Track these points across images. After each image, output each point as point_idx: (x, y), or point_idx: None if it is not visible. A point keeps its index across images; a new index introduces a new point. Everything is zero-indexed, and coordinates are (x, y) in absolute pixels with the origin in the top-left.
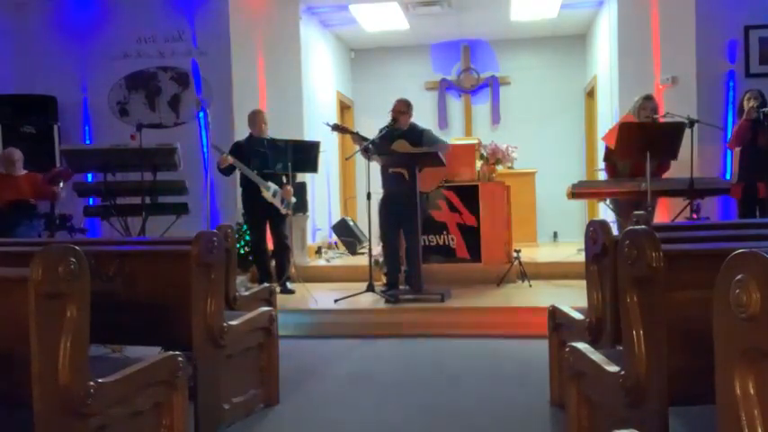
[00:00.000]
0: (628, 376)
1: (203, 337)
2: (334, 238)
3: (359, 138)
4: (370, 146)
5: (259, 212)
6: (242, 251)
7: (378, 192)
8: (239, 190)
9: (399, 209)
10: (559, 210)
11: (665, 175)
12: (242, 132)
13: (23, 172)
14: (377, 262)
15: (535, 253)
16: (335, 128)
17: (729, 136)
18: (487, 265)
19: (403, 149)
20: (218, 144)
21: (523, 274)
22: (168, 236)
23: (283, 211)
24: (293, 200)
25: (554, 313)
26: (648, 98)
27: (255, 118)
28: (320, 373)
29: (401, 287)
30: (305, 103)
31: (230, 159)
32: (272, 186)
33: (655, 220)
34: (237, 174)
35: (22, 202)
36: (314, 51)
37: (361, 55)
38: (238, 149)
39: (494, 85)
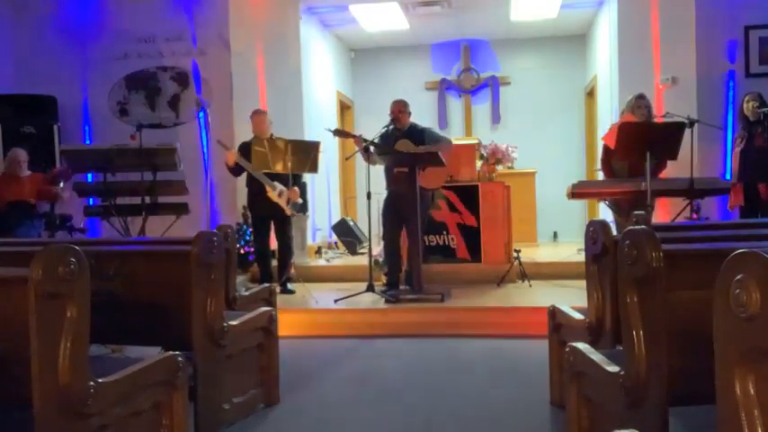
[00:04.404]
0: (628, 376)
1: (203, 337)
2: (334, 238)
3: (361, 140)
4: (371, 147)
5: (264, 212)
6: (242, 251)
7: (378, 192)
8: (239, 190)
9: (403, 208)
10: (559, 210)
11: (664, 175)
12: (242, 132)
13: (28, 173)
14: (377, 262)
15: (535, 253)
16: (336, 133)
17: (730, 167)
18: (487, 265)
19: (406, 149)
20: (221, 140)
21: (523, 274)
22: (168, 236)
23: (288, 211)
24: (299, 201)
25: (554, 313)
26: (642, 96)
27: (254, 118)
28: (320, 373)
29: (401, 287)
30: (305, 103)
31: (236, 157)
32: (279, 186)
33: (654, 220)
34: (243, 174)
35: (23, 202)
36: (314, 51)
37: (361, 55)
38: (245, 149)
39: (494, 85)
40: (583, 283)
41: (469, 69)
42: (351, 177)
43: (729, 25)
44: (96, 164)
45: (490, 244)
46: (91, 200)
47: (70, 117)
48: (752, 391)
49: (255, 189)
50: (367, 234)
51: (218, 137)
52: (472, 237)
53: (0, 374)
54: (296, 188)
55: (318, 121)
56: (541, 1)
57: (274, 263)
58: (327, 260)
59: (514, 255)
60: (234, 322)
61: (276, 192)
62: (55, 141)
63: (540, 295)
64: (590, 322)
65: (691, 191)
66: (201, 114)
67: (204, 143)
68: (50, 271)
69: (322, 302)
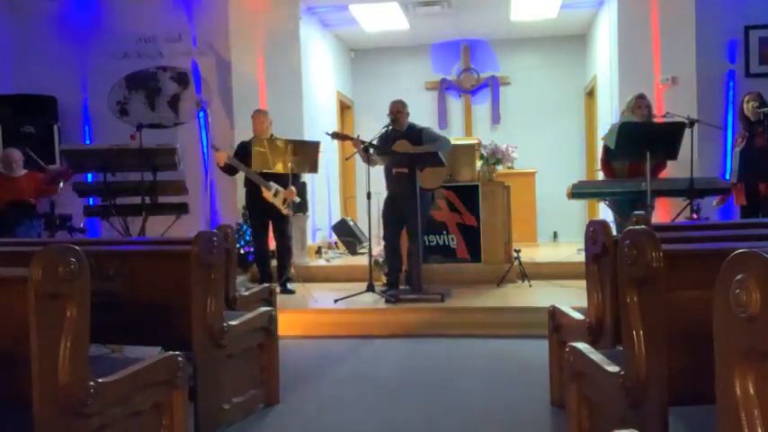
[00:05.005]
0: (628, 376)
1: (203, 337)
2: (335, 238)
3: (359, 142)
4: (370, 148)
5: (261, 213)
6: (242, 251)
7: (378, 192)
8: (239, 190)
9: (403, 209)
10: (559, 210)
11: (664, 175)
12: (242, 132)
13: (23, 172)
14: (377, 262)
15: (535, 253)
16: (335, 136)
17: (731, 168)
18: (487, 265)
19: (404, 149)
20: (217, 144)
21: (523, 274)
22: (168, 236)
23: (284, 211)
24: (297, 200)
25: (554, 313)
26: (642, 96)
27: (254, 118)
28: (320, 373)
29: (401, 287)
30: (305, 103)
31: (226, 158)
32: (274, 186)
33: (654, 220)
34: (242, 174)
35: (22, 202)
36: (314, 51)
37: (361, 55)
38: (244, 149)
39: (494, 85)
40: (583, 283)
41: (469, 69)
42: (351, 177)
43: (729, 25)
44: (96, 164)
45: (490, 244)
46: (91, 200)
47: (70, 117)
48: (752, 391)
49: (252, 189)
50: (367, 234)
51: (218, 137)
52: (472, 237)
53: (0, 374)
54: (292, 188)
55: (318, 122)
56: (541, 1)
57: (274, 263)
58: (327, 260)
59: (514, 255)
60: (234, 322)
61: (272, 192)
62: (55, 141)
63: (540, 295)
64: (590, 322)
65: (691, 191)
66: (201, 114)
67: (204, 143)
68: (50, 271)
69: (322, 302)
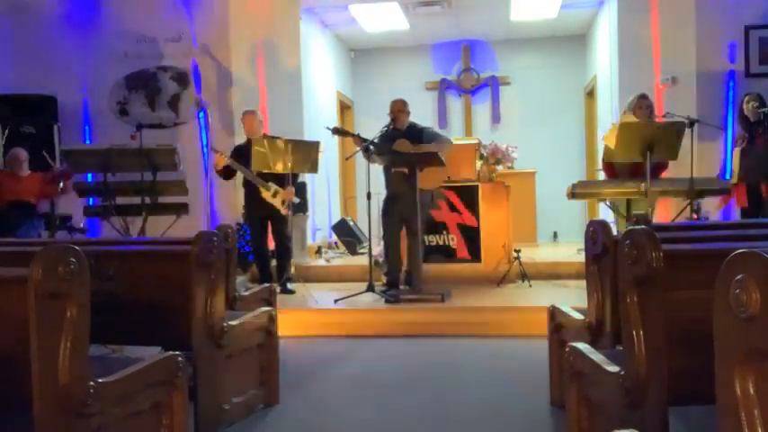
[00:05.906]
0: (628, 376)
1: (203, 337)
2: (335, 238)
3: (359, 140)
4: (371, 146)
5: (260, 213)
6: (242, 251)
7: (378, 192)
8: (239, 190)
9: (403, 208)
10: (559, 210)
11: (665, 175)
12: (242, 132)
13: (28, 172)
14: (377, 262)
15: (535, 253)
16: (336, 131)
17: (730, 168)
18: (487, 265)
19: (404, 149)
20: (216, 146)
21: (523, 274)
22: (168, 236)
23: (283, 211)
24: (296, 200)
25: (554, 313)
26: (644, 96)
27: (244, 119)
28: (320, 373)
29: (401, 287)
30: (305, 103)
31: (225, 160)
32: (273, 187)
33: (654, 220)
34: (240, 175)
35: (23, 202)
36: (314, 51)
37: (361, 55)
38: (239, 152)
39: (494, 85)
40: (583, 283)
41: (469, 69)
42: (351, 177)
43: (729, 25)
44: (96, 164)
45: (490, 244)
46: (91, 200)
47: (70, 117)
48: (752, 391)
49: (251, 190)
50: (367, 234)
51: (218, 137)
52: (472, 237)
53: (0, 374)
54: (291, 188)
55: (318, 122)
56: (541, 1)
57: (274, 263)
58: (327, 260)
59: (514, 255)
60: (234, 322)
61: (270, 192)
62: (55, 141)
63: (540, 295)
64: (590, 322)
65: (691, 191)
66: (201, 114)
67: (204, 143)
68: (50, 271)
69: (322, 302)
